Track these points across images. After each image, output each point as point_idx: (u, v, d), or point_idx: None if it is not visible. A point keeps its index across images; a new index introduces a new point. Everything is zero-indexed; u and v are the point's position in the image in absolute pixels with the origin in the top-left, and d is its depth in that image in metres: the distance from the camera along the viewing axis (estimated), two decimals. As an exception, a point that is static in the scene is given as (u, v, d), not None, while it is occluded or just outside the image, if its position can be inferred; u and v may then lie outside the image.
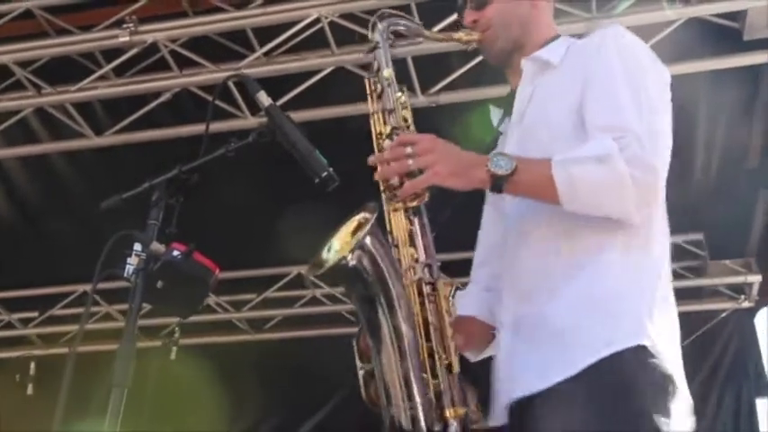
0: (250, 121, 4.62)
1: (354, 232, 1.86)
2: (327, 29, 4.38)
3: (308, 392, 6.50)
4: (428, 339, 1.84)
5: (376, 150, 1.98)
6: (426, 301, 1.86)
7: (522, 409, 1.82)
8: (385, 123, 1.98)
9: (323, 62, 4.50)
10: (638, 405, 1.70)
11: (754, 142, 5.10)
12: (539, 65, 2.03)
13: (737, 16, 4.17)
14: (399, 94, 1.99)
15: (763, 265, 5.88)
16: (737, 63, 4.32)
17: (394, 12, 2.09)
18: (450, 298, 1.91)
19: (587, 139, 1.82)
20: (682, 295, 6.08)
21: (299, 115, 4.35)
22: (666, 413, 1.71)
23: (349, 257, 1.76)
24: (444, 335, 1.86)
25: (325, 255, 1.87)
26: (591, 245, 1.83)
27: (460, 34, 2.11)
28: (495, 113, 2.18)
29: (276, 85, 4.43)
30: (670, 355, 1.80)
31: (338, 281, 1.89)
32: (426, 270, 1.88)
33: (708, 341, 6.10)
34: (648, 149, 1.75)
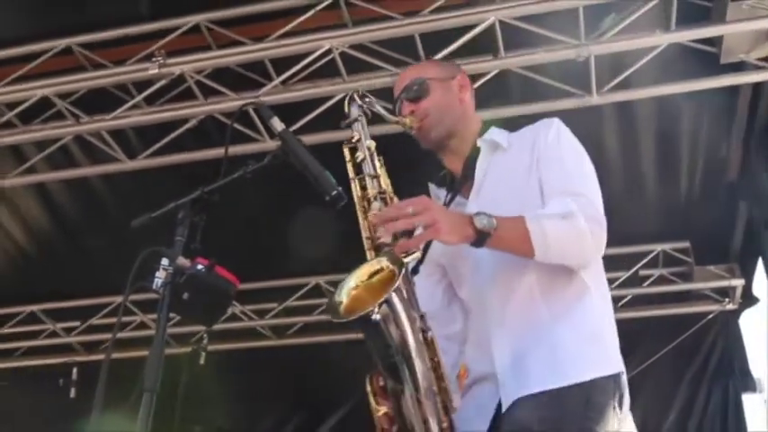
0: (269, 144, 4.62)
1: (373, 275, 1.81)
2: (338, 59, 4.39)
3: (327, 394, 6.49)
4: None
5: (359, 212, 1.98)
6: (425, 348, 1.86)
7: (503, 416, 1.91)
8: (364, 188, 2.00)
9: (335, 89, 4.51)
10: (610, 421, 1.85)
11: (733, 157, 5.09)
12: (491, 146, 2.18)
13: (715, 42, 4.16)
14: (378, 162, 2.04)
15: (746, 270, 5.85)
16: (715, 84, 4.29)
17: (366, 94, 2.15)
18: None
19: (546, 204, 2.00)
20: (670, 299, 6.08)
21: (315, 138, 4.37)
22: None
23: (375, 311, 1.70)
24: (441, 378, 1.86)
25: (339, 296, 1.80)
26: (569, 294, 1.98)
27: (407, 120, 2.18)
28: (434, 191, 2.28)
29: (292, 110, 4.45)
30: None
31: (358, 329, 1.78)
32: (422, 319, 1.86)
33: (696, 342, 6.06)
34: (599, 209, 1.97)
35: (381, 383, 1.89)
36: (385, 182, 2.02)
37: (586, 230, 1.90)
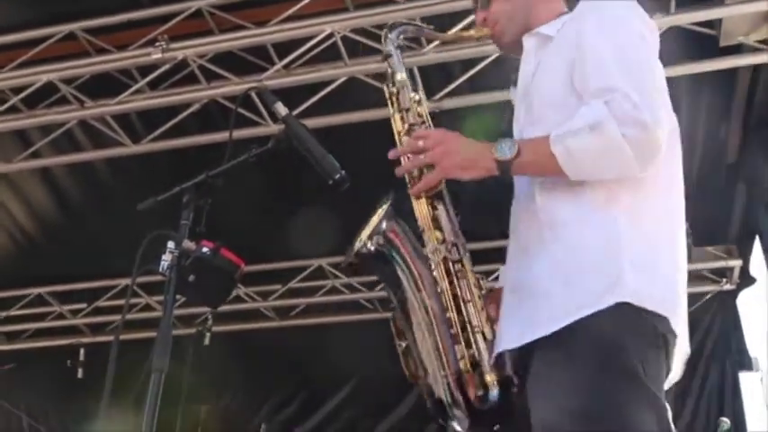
0: (272, 128, 4.62)
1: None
2: (340, 43, 4.38)
3: (330, 374, 6.52)
4: (460, 312, 1.80)
5: (399, 147, 1.96)
6: (455, 278, 1.82)
7: (520, 360, 1.74)
8: (403, 122, 1.97)
9: (336, 73, 4.50)
10: (618, 364, 1.58)
11: (731, 139, 5.08)
12: (540, 39, 1.92)
13: (714, 24, 4.14)
14: (413, 94, 1.98)
15: (743, 251, 5.85)
16: (715, 67, 4.28)
17: (405, 21, 2.08)
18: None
19: (581, 106, 1.70)
20: (668, 279, 6.09)
21: (317, 121, 4.37)
22: (650, 368, 1.61)
23: (368, 243, 1.76)
24: (475, 306, 1.81)
25: (355, 245, 1.85)
26: (567, 205, 1.72)
27: (471, 32, 2.10)
28: (513, 95, 2.09)
29: (294, 94, 4.44)
30: (665, 304, 1.65)
31: (366, 267, 1.85)
32: (453, 249, 1.83)
33: (693, 321, 5.99)
34: (640, 105, 1.60)
35: (399, 319, 1.87)
36: (415, 113, 1.95)
37: (618, 138, 1.58)
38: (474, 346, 1.78)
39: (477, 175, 1.73)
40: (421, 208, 1.86)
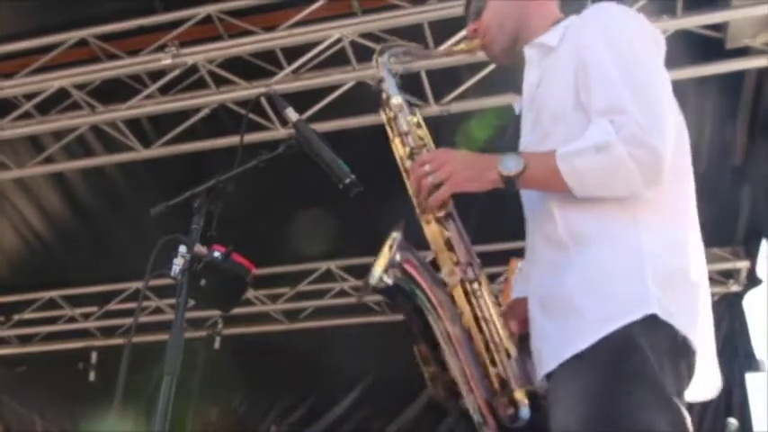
0: (280, 132, 4.64)
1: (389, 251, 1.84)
2: (348, 47, 4.38)
3: (339, 377, 6.51)
4: (482, 332, 1.79)
5: (402, 172, 1.96)
6: (473, 298, 1.81)
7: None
8: (404, 146, 1.96)
9: (345, 77, 4.51)
10: (631, 366, 1.58)
11: (738, 141, 5.05)
12: (542, 50, 1.89)
13: (720, 27, 4.12)
14: (410, 116, 1.98)
15: (750, 252, 5.83)
16: (721, 70, 4.27)
17: (393, 43, 2.06)
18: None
19: (587, 121, 1.70)
20: (675, 281, 6.06)
21: (325, 126, 4.37)
22: (676, 380, 1.62)
23: (384, 278, 1.75)
24: (496, 325, 1.80)
25: (371, 278, 1.82)
26: (595, 221, 1.70)
27: (461, 45, 2.09)
28: (517, 102, 2.06)
29: (303, 99, 4.45)
30: (688, 322, 1.66)
31: (385, 298, 1.87)
32: (469, 269, 1.82)
33: (700, 322, 6.04)
34: (646, 127, 1.62)
35: (424, 347, 1.85)
36: (416, 136, 1.95)
37: (625, 158, 1.60)
38: (500, 365, 1.77)
39: (483, 187, 1.74)
40: (432, 231, 1.86)
